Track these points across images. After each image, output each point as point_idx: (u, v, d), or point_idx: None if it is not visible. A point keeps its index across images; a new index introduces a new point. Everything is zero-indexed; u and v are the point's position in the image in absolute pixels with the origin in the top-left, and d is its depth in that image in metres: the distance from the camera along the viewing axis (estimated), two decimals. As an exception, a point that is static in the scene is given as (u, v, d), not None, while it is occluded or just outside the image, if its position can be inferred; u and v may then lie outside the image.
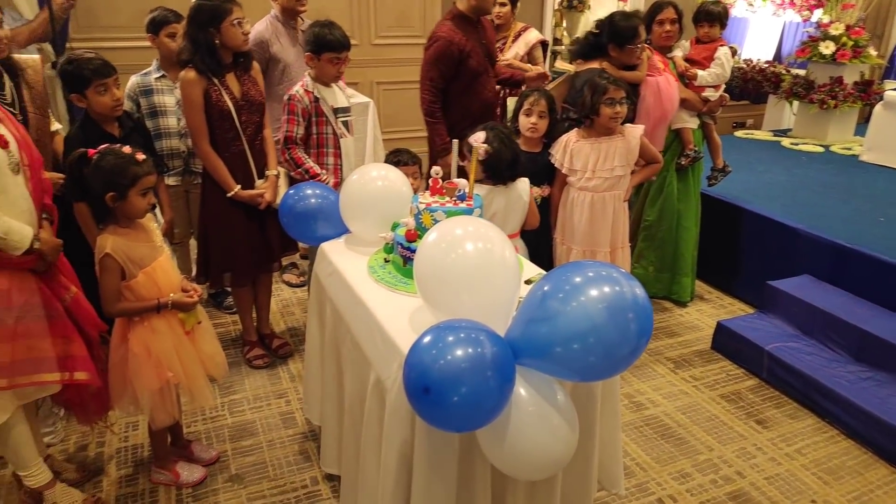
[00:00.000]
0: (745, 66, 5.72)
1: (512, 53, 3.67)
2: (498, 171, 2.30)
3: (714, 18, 3.29)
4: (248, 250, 2.71)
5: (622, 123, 2.67)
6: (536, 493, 1.59)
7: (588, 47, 3.03)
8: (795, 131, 5.22)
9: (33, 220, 1.83)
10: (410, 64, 5.15)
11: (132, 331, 1.95)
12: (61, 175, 2.22)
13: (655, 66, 3.06)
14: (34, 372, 1.84)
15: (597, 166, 2.62)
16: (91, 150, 1.89)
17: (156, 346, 1.95)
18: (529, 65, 3.66)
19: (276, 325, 3.18)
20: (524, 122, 2.67)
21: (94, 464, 2.29)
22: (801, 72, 5.13)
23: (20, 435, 1.95)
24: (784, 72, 5.36)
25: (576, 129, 2.69)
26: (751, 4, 6.10)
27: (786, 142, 4.98)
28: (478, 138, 1.85)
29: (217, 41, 2.45)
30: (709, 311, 3.45)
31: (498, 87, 3.38)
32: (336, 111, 2.77)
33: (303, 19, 3.24)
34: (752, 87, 5.70)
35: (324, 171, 2.73)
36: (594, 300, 1.26)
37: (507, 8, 3.65)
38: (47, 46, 3.73)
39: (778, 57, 6.20)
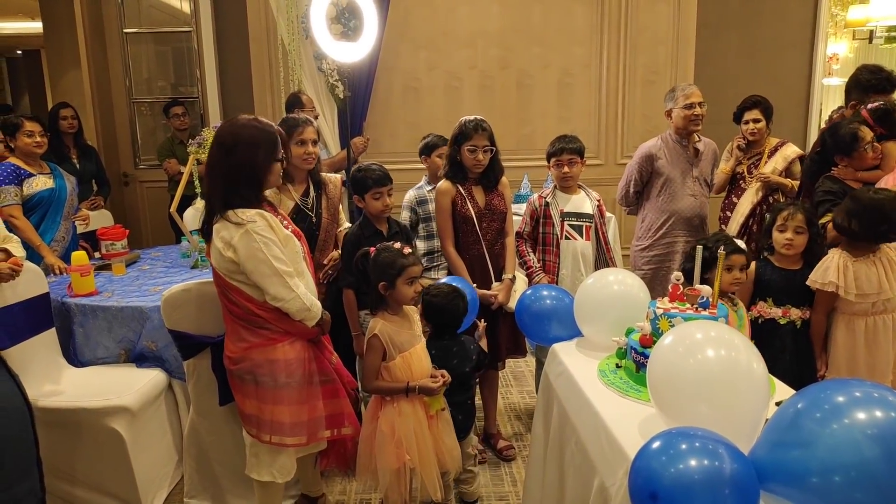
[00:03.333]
0: None
1: (769, 168, 3.51)
2: None
3: None
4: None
5: None
6: None
7: (815, 166, 2.92)
8: None
9: (316, 297, 2.19)
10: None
11: (383, 410, 2.15)
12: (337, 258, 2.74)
13: None
14: (317, 429, 2.17)
15: (882, 287, 2.35)
16: (371, 249, 2.22)
17: (400, 427, 2.12)
18: (789, 179, 3.47)
19: (501, 427, 3.22)
20: (778, 238, 2.50)
21: (330, 531, 2.50)
22: None
23: (280, 491, 2.24)
24: None
25: (839, 249, 2.44)
26: None
27: None
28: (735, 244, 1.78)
29: (458, 158, 2.79)
30: None
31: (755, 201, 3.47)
32: (565, 215, 2.96)
33: (699, 137, 3.40)
34: None
35: (538, 266, 2.96)
36: (861, 425, 1.10)
37: (762, 123, 3.54)
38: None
39: None
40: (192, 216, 3.87)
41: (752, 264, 2.56)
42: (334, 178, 2.94)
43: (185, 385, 2.60)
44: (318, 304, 2.14)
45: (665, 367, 1.42)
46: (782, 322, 2.49)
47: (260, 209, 2.03)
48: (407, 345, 2.17)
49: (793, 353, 2.48)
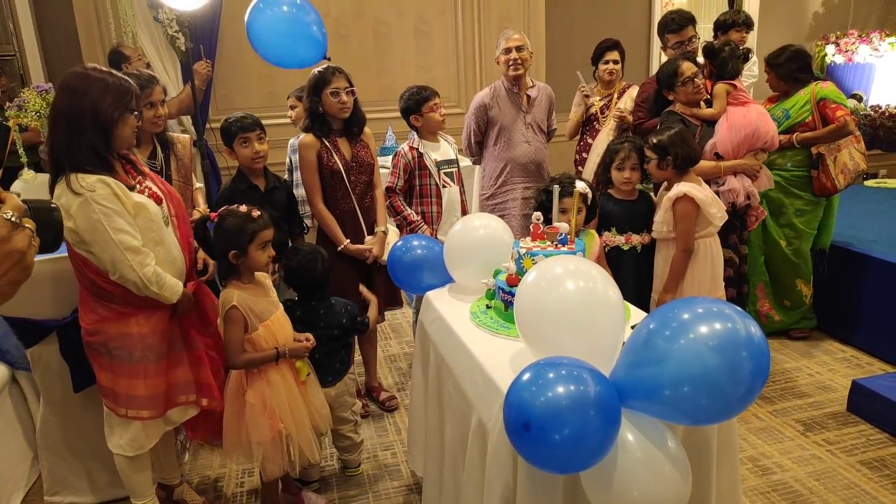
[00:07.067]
0: (872, 112, 5.38)
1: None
2: None
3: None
4: (355, 302, 2.82)
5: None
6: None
7: (654, 106, 3.12)
8: (937, 178, 4.79)
9: (183, 266, 2.05)
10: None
11: (251, 383, 2.07)
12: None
13: (738, 98, 2.95)
14: (176, 395, 2.05)
15: (656, 217, 2.62)
16: (213, 214, 2.08)
17: (271, 398, 2.06)
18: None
19: (383, 379, 3.25)
20: (618, 176, 2.67)
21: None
22: (939, 115, 4.75)
23: (147, 466, 2.12)
24: (919, 116, 4.99)
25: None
26: (875, 49, 5.79)
27: (926, 189, 4.57)
28: (584, 187, 1.87)
29: (321, 109, 2.68)
30: (842, 370, 3.14)
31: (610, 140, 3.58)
32: (439, 164, 2.96)
33: (533, 82, 3.41)
34: (882, 134, 5.33)
35: (419, 219, 2.94)
36: (704, 338, 1.21)
37: (619, 65, 3.69)
38: (191, 127, 4.21)
39: (911, 101, 5.78)
40: (21, 189, 3.45)
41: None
42: (183, 139, 2.74)
43: (32, 376, 2.36)
44: (175, 286, 1.96)
45: (530, 303, 1.47)
46: (625, 248, 2.68)
47: (109, 170, 1.84)
48: (267, 313, 2.08)
49: (636, 277, 2.69)
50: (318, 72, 2.67)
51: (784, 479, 2.36)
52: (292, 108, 3.37)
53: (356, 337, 3.03)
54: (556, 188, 1.92)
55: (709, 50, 3.02)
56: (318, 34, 2.98)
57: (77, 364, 2.19)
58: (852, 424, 2.69)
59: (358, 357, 3.16)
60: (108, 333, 1.96)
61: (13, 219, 0.77)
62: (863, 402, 2.71)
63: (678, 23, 3.30)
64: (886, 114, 5.27)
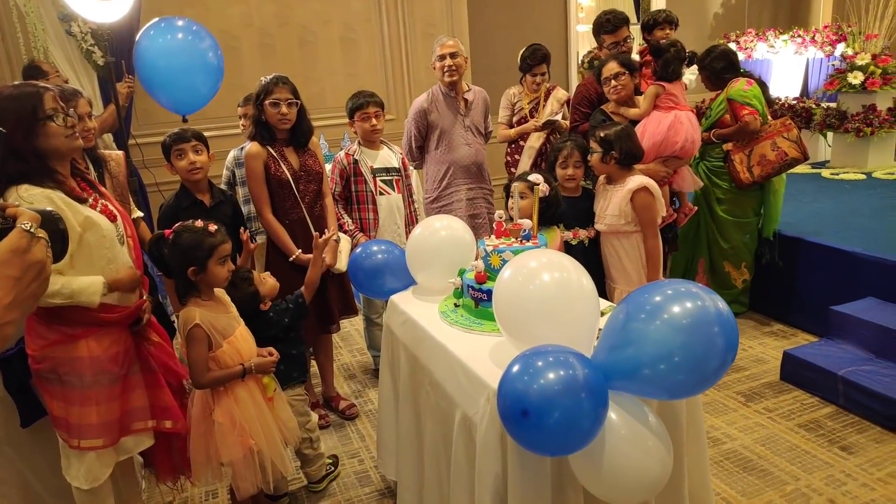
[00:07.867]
0: (774, 104, 5.80)
1: (548, 111, 3.82)
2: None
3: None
4: (309, 312, 2.80)
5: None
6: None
7: (597, 105, 3.30)
8: (834, 161, 5.24)
9: (137, 286, 1.97)
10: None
11: (217, 402, 2.01)
12: None
13: (665, 102, 3.06)
14: (130, 422, 1.96)
15: (601, 211, 2.72)
16: (167, 231, 2.02)
17: (239, 415, 2.01)
18: (565, 121, 3.80)
19: (339, 388, 3.22)
20: (562, 173, 2.78)
21: (179, 532, 2.33)
22: (832, 104, 5.18)
23: (108, 495, 2.03)
24: (814, 106, 5.42)
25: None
26: (772, 46, 6.25)
27: (826, 172, 4.99)
28: (537, 178, 1.94)
29: (263, 117, 2.66)
30: (771, 343, 3.39)
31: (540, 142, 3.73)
32: (375, 171, 2.98)
33: (469, 86, 3.48)
34: (782, 124, 5.75)
35: (354, 227, 3.01)
36: (675, 317, 1.30)
37: (547, 74, 3.81)
38: (112, 143, 4.03)
39: (805, 92, 6.28)
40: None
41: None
42: (116, 155, 2.64)
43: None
44: (91, 285, 1.79)
45: (509, 297, 1.52)
46: (573, 243, 2.79)
47: (55, 185, 1.74)
48: (229, 329, 2.04)
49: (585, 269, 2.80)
50: (263, 80, 2.64)
51: (734, 447, 2.53)
52: (244, 116, 3.26)
53: (312, 349, 3.00)
54: (516, 185, 1.99)
55: (655, 48, 3.16)
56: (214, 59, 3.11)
57: (23, 398, 2.07)
58: (787, 392, 2.91)
59: (314, 368, 3.13)
60: (57, 359, 1.85)
61: (31, 229, 0.75)
62: (794, 370, 2.94)
63: (613, 24, 3.44)
64: (786, 105, 5.69)
